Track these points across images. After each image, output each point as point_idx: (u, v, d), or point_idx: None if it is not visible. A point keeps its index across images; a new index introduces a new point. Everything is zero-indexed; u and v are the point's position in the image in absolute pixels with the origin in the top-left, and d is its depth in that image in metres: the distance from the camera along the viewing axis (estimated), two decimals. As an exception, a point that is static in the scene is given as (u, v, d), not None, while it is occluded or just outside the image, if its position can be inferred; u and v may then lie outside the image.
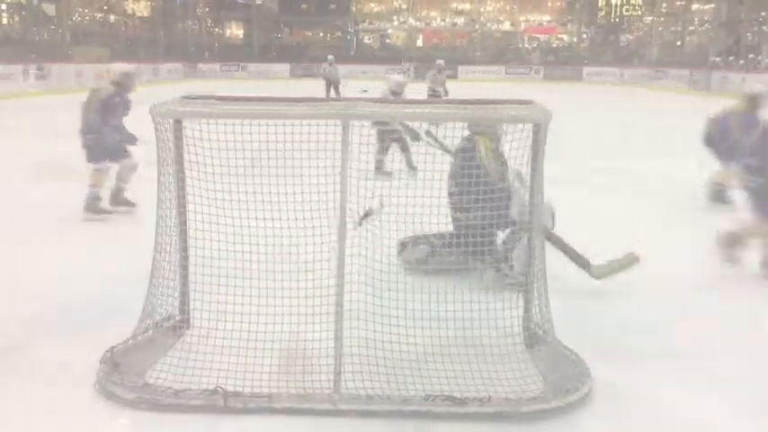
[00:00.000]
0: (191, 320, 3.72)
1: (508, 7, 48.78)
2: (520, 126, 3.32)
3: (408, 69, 35.52)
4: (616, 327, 4.04)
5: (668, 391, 3.29)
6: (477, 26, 48.40)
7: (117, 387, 3.14)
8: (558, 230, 4.85)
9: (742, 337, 3.96)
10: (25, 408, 3.13)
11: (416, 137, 6.29)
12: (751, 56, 30.10)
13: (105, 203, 6.60)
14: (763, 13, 32.61)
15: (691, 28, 41.51)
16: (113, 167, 6.66)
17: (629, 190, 8.16)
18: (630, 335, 3.94)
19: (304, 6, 48.33)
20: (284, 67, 39.43)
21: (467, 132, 4.46)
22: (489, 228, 3.83)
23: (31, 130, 14.00)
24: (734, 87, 25.23)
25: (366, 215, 4.65)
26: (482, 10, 48.59)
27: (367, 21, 49.66)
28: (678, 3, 42.07)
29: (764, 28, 32.28)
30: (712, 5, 37.90)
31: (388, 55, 44.63)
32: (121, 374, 3.20)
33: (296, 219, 3.48)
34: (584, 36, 48.94)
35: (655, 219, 6.79)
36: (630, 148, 11.22)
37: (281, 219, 3.45)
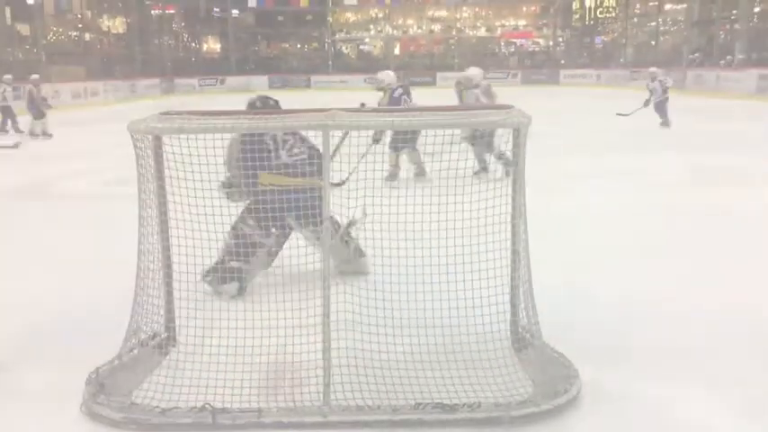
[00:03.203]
0: (176, 338, 3.68)
1: (484, 13, 49.11)
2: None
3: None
4: (603, 328, 4.05)
5: (657, 391, 3.31)
6: (453, 32, 48.68)
7: (103, 408, 3.10)
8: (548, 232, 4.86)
9: (731, 335, 3.98)
10: (10, 430, 3.08)
11: None
12: (729, 57, 30.34)
13: None
14: (734, 12, 33.07)
15: (663, 28, 42.00)
16: None
17: (612, 188, 8.22)
18: (618, 335, 3.95)
19: (280, 18, 48.33)
20: (263, 79, 39.40)
21: None
22: None
23: (7, 150, 13.85)
24: (709, 86, 25.60)
25: (350, 224, 4.65)
26: (458, 16, 48.88)
27: (344, 31, 49.77)
28: (651, 3, 42.59)
29: (736, 26, 32.73)
30: (684, 5, 38.39)
31: (365, 65, 44.77)
32: (107, 395, 3.16)
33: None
34: (560, 39, 49.38)
35: (642, 216, 6.84)
36: (610, 148, 11.33)
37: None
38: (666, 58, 36.28)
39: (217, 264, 4.28)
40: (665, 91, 14.69)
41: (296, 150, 4.60)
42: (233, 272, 4.40)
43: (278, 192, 4.07)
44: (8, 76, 17.48)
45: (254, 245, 4.40)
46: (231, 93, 36.55)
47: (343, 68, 44.17)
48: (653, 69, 15.57)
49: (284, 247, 3.56)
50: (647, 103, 14.65)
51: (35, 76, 17.25)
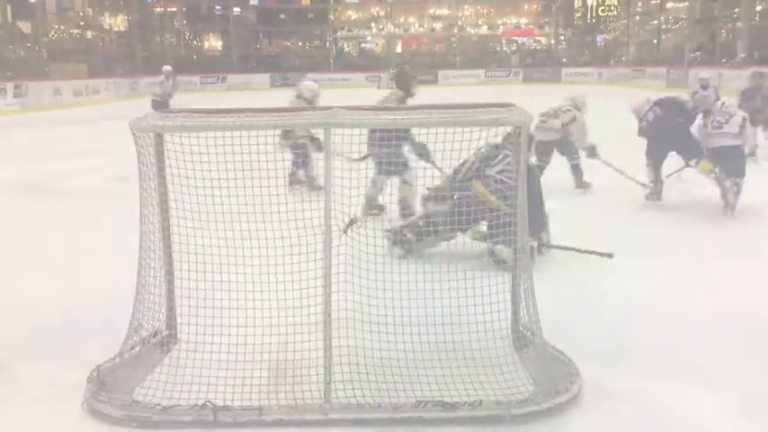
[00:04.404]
0: (178, 335, 3.69)
1: (485, 11, 49.07)
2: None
3: (392, 78, 35.48)
4: (604, 326, 4.06)
5: (658, 390, 3.31)
6: (455, 30, 48.64)
7: (104, 405, 3.10)
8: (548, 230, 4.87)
9: (731, 335, 3.99)
10: (12, 428, 3.09)
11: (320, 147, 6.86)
12: (742, 56, 30.03)
13: None
14: (736, 10, 33.02)
15: (665, 26, 41.97)
16: None
17: (612, 187, 8.21)
18: (618, 334, 3.96)
19: (282, 16, 48.30)
20: (264, 78, 39.39)
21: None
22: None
23: (9, 148, 13.87)
24: (711, 84, 25.51)
25: (351, 223, 4.65)
26: (460, 15, 48.84)
27: (345, 29, 49.75)
28: (653, 2, 42.55)
29: (738, 24, 32.68)
30: (686, 3, 38.34)
31: (367, 63, 44.78)
32: (109, 392, 3.17)
33: (281, 228, 3.47)
34: (562, 38, 49.33)
35: (642, 215, 6.83)
36: (610, 147, 11.28)
37: (265, 229, 3.44)
38: (668, 56, 36.25)
39: (397, 228, 5.28)
40: (718, 98, 10.98)
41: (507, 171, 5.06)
42: (405, 240, 5.23)
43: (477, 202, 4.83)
44: (167, 68, 16.99)
45: (436, 232, 5.08)
46: (232, 91, 36.58)
47: (344, 66, 44.16)
48: (704, 75, 12.71)
49: (285, 245, 3.57)
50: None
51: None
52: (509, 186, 4.86)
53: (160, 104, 15.17)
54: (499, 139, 4.90)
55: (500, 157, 5.26)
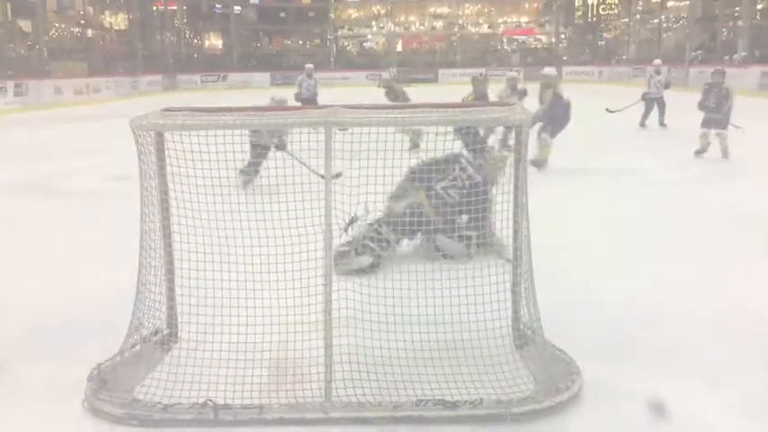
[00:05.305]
0: (178, 334, 3.69)
1: (486, 10, 49.07)
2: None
3: (394, 75, 35.44)
4: (605, 326, 4.05)
5: (659, 388, 3.30)
6: (455, 29, 48.64)
7: (105, 404, 3.10)
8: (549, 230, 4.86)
9: (732, 335, 3.97)
10: (12, 427, 3.09)
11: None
12: (744, 54, 30.06)
13: None
14: (737, 9, 32.99)
15: (665, 25, 41.94)
16: None
17: (615, 186, 8.21)
18: (619, 332, 3.95)
19: (282, 15, 48.32)
20: (264, 76, 39.39)
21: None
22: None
23: (9, 148, 13.87)
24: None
25: (351, 221, 4.65)
26: (460, 13, 48.83)
27: (346, 27, 49.76)
28: (654, 0, 42.53)
29: (739, 23, 32.66)
30: (687, 2, 38.31)
31: (368, 61, 44.76)
32: (109, 391, 3.17)
33: (281, 227, 3.46)
34: (563, 36, 49.32)
35: (645, 215, 6.83)
36: (613, 146, 11.28)
37: (266, 228, 3.44)
38: (669, 55, 36.22)
39: (352, 241, 4.96)
40: (667, 85, 14.22)
41: (451, 188, 5.26)
42: (368, 248, 5.04)
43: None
44: (310, 66, 15.54)
45: (388, 241, 5.14)
46: (233, 89, 36.56)
47: (345, 65, 44.16)
48: (658, 61, 14.95)
49: (286, 244, 3.58)
50: (644, 97, 13.91)
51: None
52: (446, 203, 5.18)
53: (309, 102, 14.13)
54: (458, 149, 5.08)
55: (451, 176, 5.30)
